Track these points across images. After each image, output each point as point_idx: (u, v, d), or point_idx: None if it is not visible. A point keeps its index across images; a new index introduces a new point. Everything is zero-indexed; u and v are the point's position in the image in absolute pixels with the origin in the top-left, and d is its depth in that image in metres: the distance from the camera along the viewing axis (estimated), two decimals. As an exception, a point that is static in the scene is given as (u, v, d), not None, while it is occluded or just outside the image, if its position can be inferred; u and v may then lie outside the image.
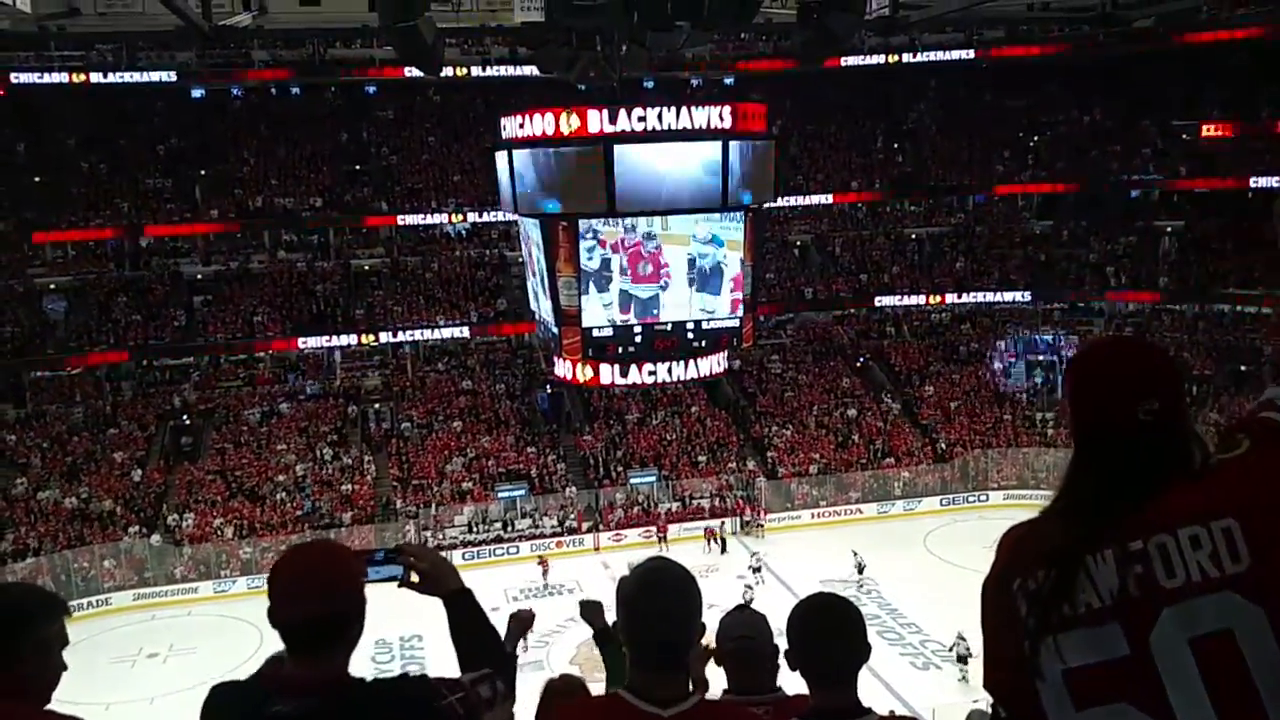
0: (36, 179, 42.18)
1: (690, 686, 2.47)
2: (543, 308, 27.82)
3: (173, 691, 25.94)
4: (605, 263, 22.01)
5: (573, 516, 35.69)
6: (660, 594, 2.49)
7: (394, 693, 2.48)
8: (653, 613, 2.45)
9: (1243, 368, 40.38)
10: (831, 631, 2.74)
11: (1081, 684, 1.80)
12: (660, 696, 2.39)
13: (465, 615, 2.82)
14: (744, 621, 3.79)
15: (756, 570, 31.62)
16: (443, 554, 3.64)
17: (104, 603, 31.81)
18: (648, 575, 2.55)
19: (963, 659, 24.90)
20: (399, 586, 2.83)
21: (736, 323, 22.92)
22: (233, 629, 30.01)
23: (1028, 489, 38.72)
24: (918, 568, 32.00)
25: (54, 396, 38.85)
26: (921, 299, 45.29)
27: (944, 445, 39.70)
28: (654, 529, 34.17)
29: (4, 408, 38.31)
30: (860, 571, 30.93)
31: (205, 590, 32.67)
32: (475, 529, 35.05)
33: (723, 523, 35.78)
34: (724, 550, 33.99)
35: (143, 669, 27.83)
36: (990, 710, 2.10)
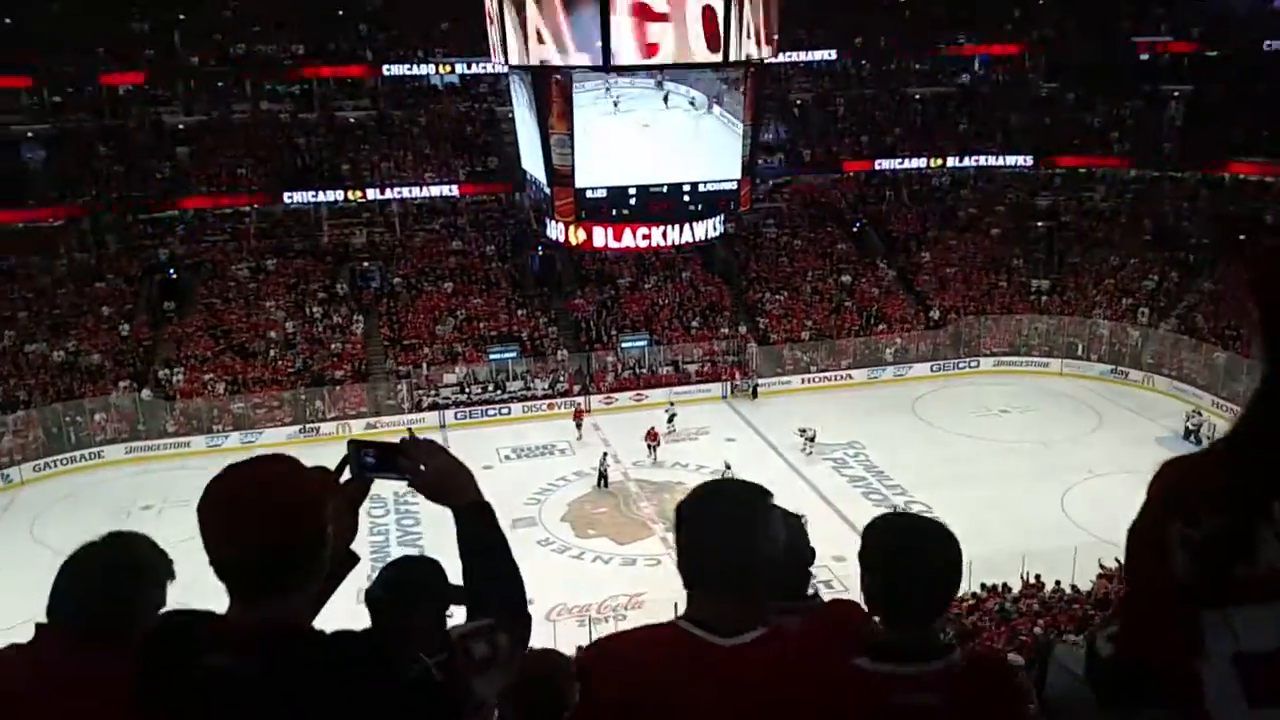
0: (6, 20, 40.38)
1: (761, 615, 2.12)
2: (534, 167, 27.15)
3: (168, 544, 26.14)
4: (600, 120, 21.35)
5: (564, 379, 35.69)
6: (717, 511, 2.17)
7: (351, 653, 1.92)
8: (709, 530, 2.14)
9: (1242, 237, 39.92)
10: (923, 560, 2.17)
11: (1260, 673, 1.43)
12: (722, 625, 2.06)
13: (476, 538, 2.24)
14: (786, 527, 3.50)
15: (671, 419, 32.41)
16: (449, 456, 2.40)
17: (97, 455, 31.99)
18: (706, 491, 2.25)
19: (810, 439, 28.22)
20: (410, 486, 2.27)
21: (734, 185, 22.42)
22: (226, 483, 30.26)
23: (1019, 356, 38.83)
24: (906, 432, 32.29)
25: (37, 248, 38.13)
26: (922, 162, 44.33)
27: (937, 312, 39.54)
28: (647, 442, 31.12)
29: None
30: (810, 441, 30.87)
31: (198, 444, 32.83)
32: (466, 390, 35.07)
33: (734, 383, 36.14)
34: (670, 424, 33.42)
35: (137, 521, 28.04)
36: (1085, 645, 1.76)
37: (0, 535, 27.11)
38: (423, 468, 2.25)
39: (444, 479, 2.27)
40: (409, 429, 2.51)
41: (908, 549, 2.18)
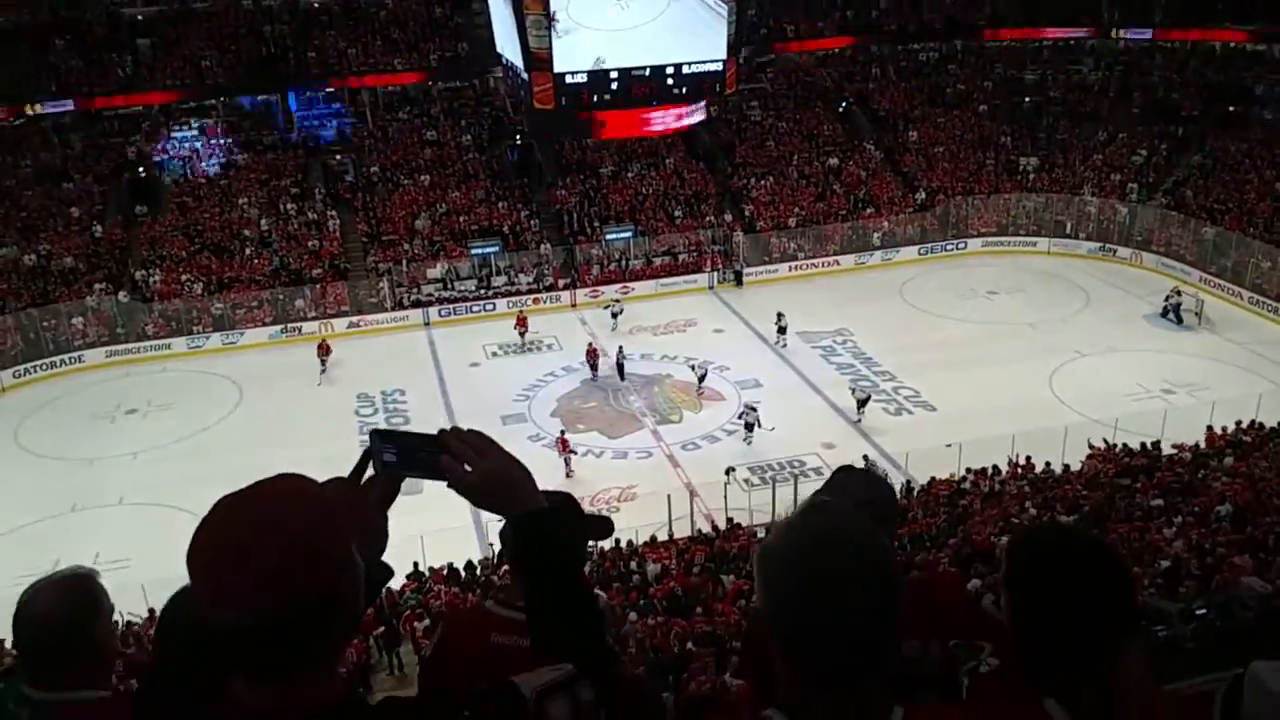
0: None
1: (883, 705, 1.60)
2: (510, 51, 26.13)
3: (154, 446, 26.15)
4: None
5: (549, 273, 35.16)
6: (836, 592, 1.51)
7: None
8: (823, 613, 1.51)
9: (1230, 108, 39.25)
10: (1088, 585, 1.75)
11: None
12: None
13: (541, 554, 1.79)
14: (863, 482, 3.03)
15: (615, 316, 32.16)
16: (504, 453, 1.80)
17: (77, 360, 31.54)
18: (812, 546, 1.55)
19: (862, 403, 25.72)
20: (450, 487, 1.80)
21: (719, 66, 21.62)
22: (210, 384, 30.02)
23: (1007, 236, 38.47)
24: (894, 318, 32.11)
25: (-1, 149, 36.95)
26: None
27: (925, 193, 38.96)
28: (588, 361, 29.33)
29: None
30: (781, 332, 30.35)
31: (179, 346, 32.40)
32: (450, 286, 34.52)
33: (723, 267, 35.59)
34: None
35: (123, 425, 27.91)
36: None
37: (-15, 443, 26.84)
38: (468, 467, 1.78)
39: (497, 481, 1.80)
40: (442, 430, 1.84)
41: (1075, 569, 1.80)
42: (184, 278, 33.51)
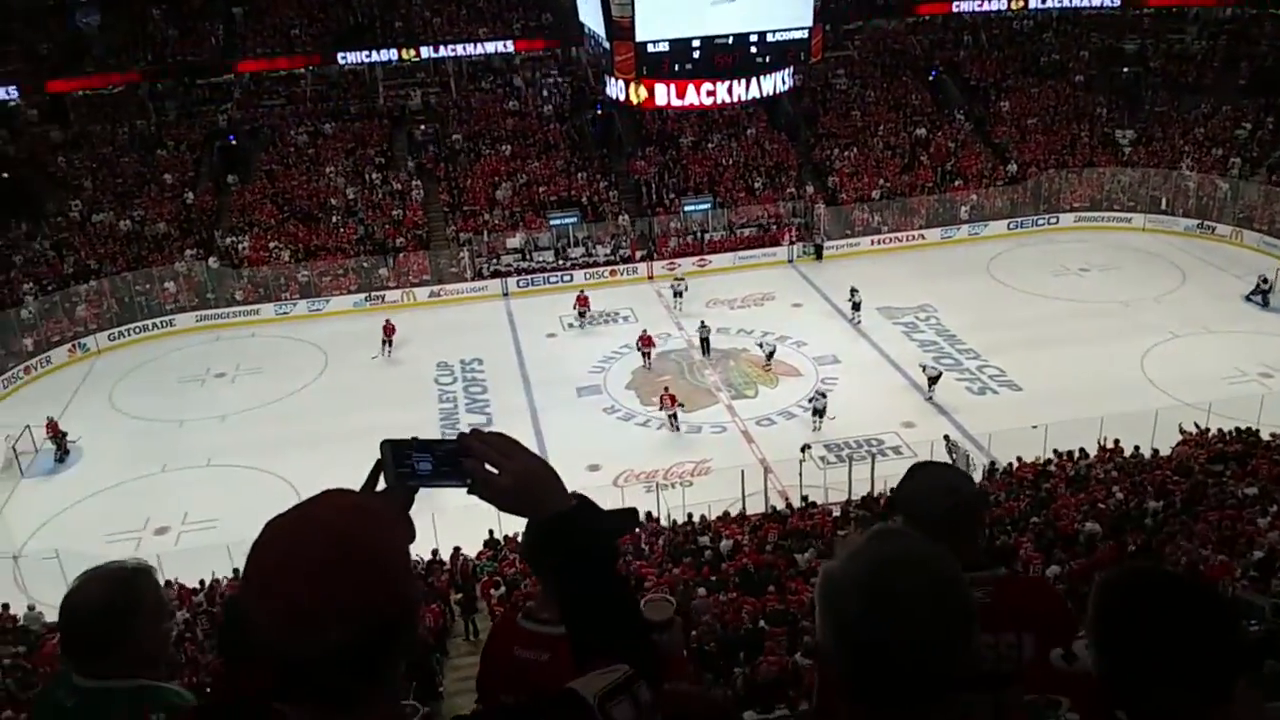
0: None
1: None
2: (592, 20, 25.96)
3: (242, 409, 26.85)
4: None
5: (626, 245, 35.08)
6: (905, 619, 1.44)
7: None
8: (893, 643, 1.44)
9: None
10: (1192, 637, 1.62)
11: None
12: None
13: (566, 555, 1.73)
14: (946, 479, 2.91)
15: (679, 295, 31.59)
16: (533, 454, 1.74)
17: (169, 324, 32.52)
18: (879, 580, 1.47)
19: (933, 380, 25.09)
20: (470, 493, 1.73)
21: (805, 34, 21.15)
22: (296, 350, 30.70)
23: (1100, 211, 37.22)
24: (980, 294, 31.33)
25: (97, 117, 38.08)
26: (1003, 3, 41.67)
27: (1015, 166, 37.84)
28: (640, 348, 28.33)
29: (49, 128, 37.71)
30: (856, 309, 29.74)
31: (267, 312, 33.17)
32: (528, 256, 34.69)
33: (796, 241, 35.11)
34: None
35: (212, 388, 28.72)
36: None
37: (83, 402, 27.86)
38: (494, 470, 1.69)
39: (529, 482, 1.72)
40: (462, 433, 1.75)
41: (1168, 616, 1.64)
42: (272, 245, 34.24)
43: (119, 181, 35.97)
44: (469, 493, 1.71)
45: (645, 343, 27.78)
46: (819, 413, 23.71)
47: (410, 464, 1.67)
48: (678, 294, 31.79)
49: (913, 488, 2.83)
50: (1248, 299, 29.62)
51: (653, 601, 2.74)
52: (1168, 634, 1.62)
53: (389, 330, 29.63)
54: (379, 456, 1.69)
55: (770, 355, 27.28)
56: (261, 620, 1.35)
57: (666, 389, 25.01)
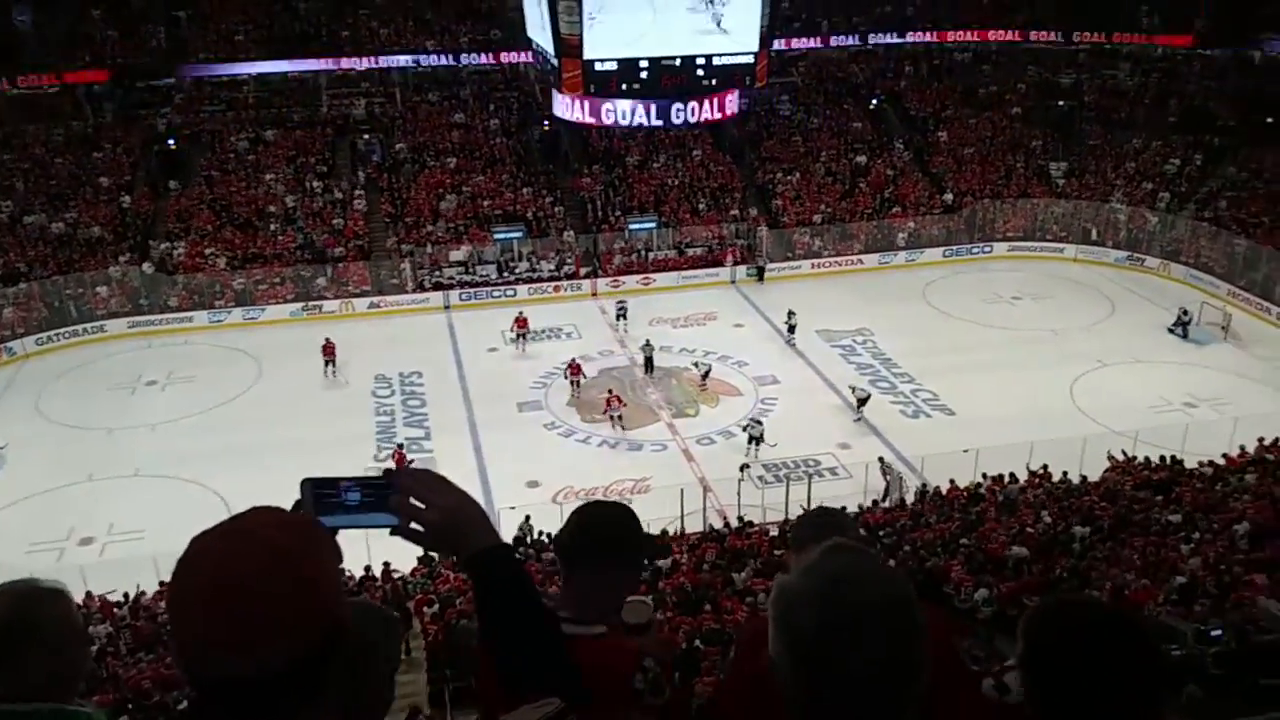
0: None
1: None
2: (541, 36, 26.03)
3: (172, 419, 26.29)
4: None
5: (571, 261, 35.09)
6: (860, 633, 1.43)
7: None
8: (849, 666, 1.43)
9: (1269, 119, 38.65)
10: (1121, 668, 1.67)
11: None
12: None
13: (497, 591, 1.72)
14: (825, 523, 2.96)
15: (621, 316, 31.38)
16: (461, 490, 1.71)
17: (100, 330, 31.76)
18: (834, 593, 1.47)
19: (861, 402, 25.42)
20: (393, 535, 1.69)
21: (751, 58, 21.44)
22: (230, 359, 30.17)
23: (1033, 241, 38.11)
24: (916, 320, 31.87)
25: (32, 117, 37.15)
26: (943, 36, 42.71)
27: (952, 195, 38.62)
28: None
29: (-21, 127, 36.75)
30: (791, 331, 30.09)
31: (200, 320, 32.57)
32: (471, 270, 34.52)
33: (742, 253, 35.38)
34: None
35: (142, 396, 28.08)
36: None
37: (8, 408, 27.09)
38: (421, 506, 1.67)
39: (458, 519, 1.69)
40: (388, 470, 1.74)
41: (1101, 651, 1.70)
42: (208, 251, 33.65)
43: (52, 183, 35.11)
44: (393, 533, 1.68)
45: (574, 371, 27.11)
46: (756, 440, 23.52)
47: (338, 497, 1.63)
48: (621, 314, 31.64)
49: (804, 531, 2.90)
50: (1170, 331, 30.51)
51: (631, 604, 2.75)
52: (1095, 663, 1.67)
53: (329, 350, 28.53)
54: (298, 496, 1.64)
55: (705, 375, 27.42)
56: (190, 638, 1.31)
57: (611, 390, 25.27)
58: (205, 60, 38.67)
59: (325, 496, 1.63)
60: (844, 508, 18.85)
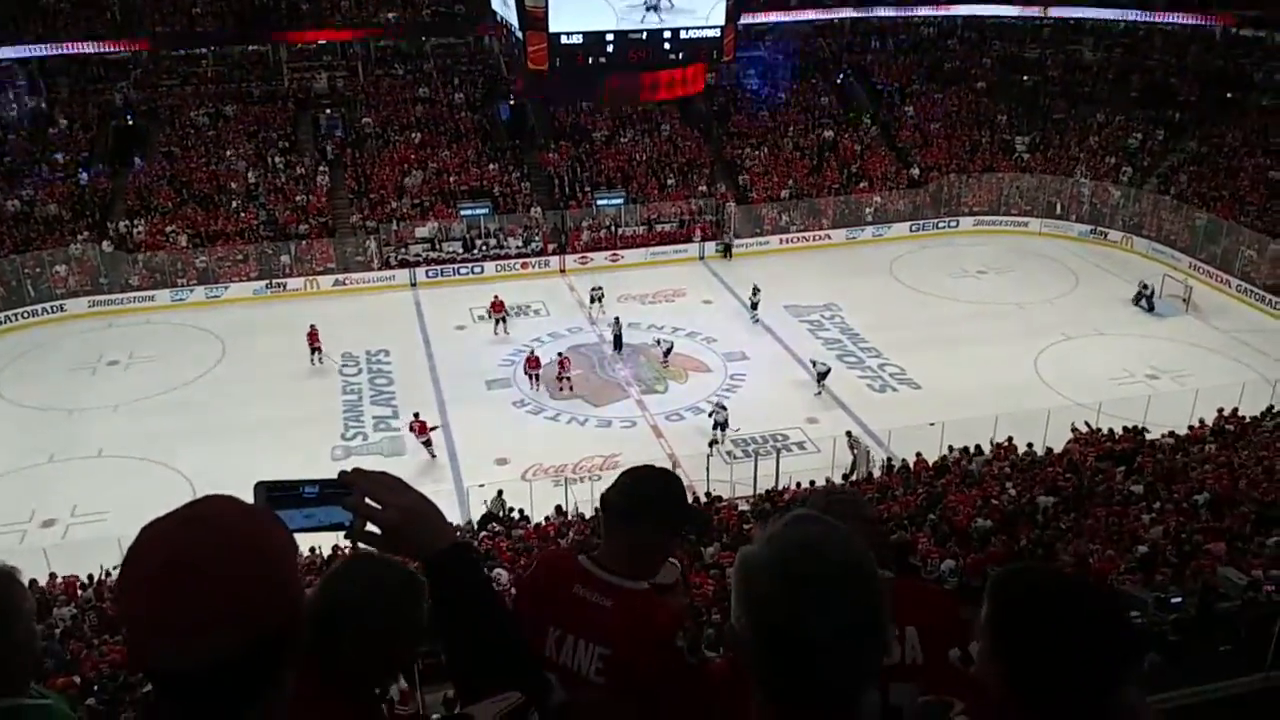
0: None
1: None
2: (505, 9, 25.74)
3: (135, 399, 25.95)
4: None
5: (538, 238, 34.89)
6: (822, 600, 1.44)
7: None
8: (811, 633, 1.43)
9: (1229, 94, 39.09)
10: (1091, 637, 1.67)
11: None
12: None
13: (457, 591, 1.71)
14: (838, 500, 2.97)
15: (596, 300, 30.40)
16: (417, 491, 1.70)
17: (59, 309, 31.22)
18: (796, 561, 1.47)
19: (821, 376, 25.55)
20: (348, 538, 1.68)
21: (718, 32, 21.33)
22: (193, 338, 29.79)
23: (999, 215, 38.37)
24: (883, 294, 32.03)
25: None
26: (909, 11, 42.80)
27: (918, 170, 38.76)
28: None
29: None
30: (754, 309, 30.01)
31: (163, 299, 32.09)
32: (437, 246, 34.23)
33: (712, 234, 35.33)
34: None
35: (104, 376, 27.67)
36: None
37: (-37, 390, 26.59)
38: (378, 506, 1.64)
39: (416, 517, 1.67)
40: (344, 471, 1.70)
41: (1072, 623, 1.68)
42: (169, 229, 33.13)
43: (7, 160, 34.36)
44: (347, 537, 1.66)
45: (532, 364, 26.34)
46: (720, 425, 23.14)
47: (297, 492, 1.60)
48: (596, 299, 30.60)
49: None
50: (1134, 303, 30.87)
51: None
52: (1061, 626, 1.67)
53: (313, 337, 27.66)
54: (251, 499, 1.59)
55: (668, 353, 27.37)
56: (141, 621, 1.26)
57: (560, 354, 25.39)
58: (162, 35, 37.84)
59: (279, 498, 1.60)
60: (840, 485, 18.94)
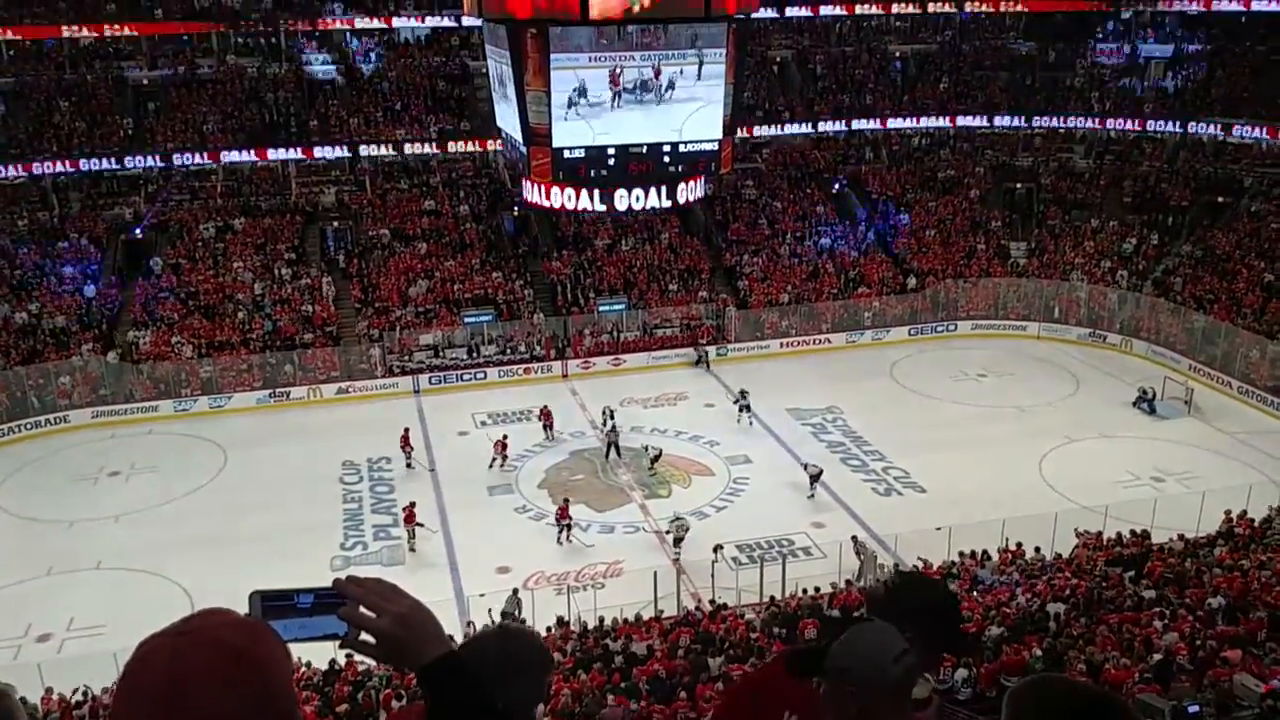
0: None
1: None
2: (510, 125, 26.42)
3: (136, 510, 25.80)
4: (581, 87, 20.81)
5: (540, 344, 35.17)
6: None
7: None
8: None
9: (1220, 199, 39.85)
10: None
11: None
12: None
13: (451, 702, 1.65)
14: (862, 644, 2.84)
15: (608, 419, 29.15)
16: (413, 598, 1.64)
17: (62, 420, 31.28)
18: None
19: (814, 478, 25.36)
20: (343, 649, 1.67)
21: (715, 146, 21.87)
22: (195, 448, 29.76)
23: (997, 319, 38.67)
24: (884, 397, 32.09)
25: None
26: (902, 122, 43.95)
27: (916, 276, 39.25)
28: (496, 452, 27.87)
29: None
30: (743, 411, 29.96)
31: (166, 409, 32.16)
32: (440, 354, 34.48)
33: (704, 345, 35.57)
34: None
35: (105, 487, 27.57)
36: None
37: (-37, 502, 26.45)
38: (374, 615, 1.61)
39: (411, 626, 1.63)
40: (338, 579, 1.69)
41: None
42: (174, 340, 33.42)
43: (17, 273, 34.90)
44: (342, 646, 1.64)
45: (545, 415, 29.32)
46: (679, 541, 22.63)
47: (292, 602, 1.59)
48: (654, 459, 27.49)
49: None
50: (1135, 406, 30.88)
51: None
52: None
53: (405, 441, 27.85)
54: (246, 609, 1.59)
55: (655, 460, 27.15)
56: None
57: (567, 500, 24.24)
58: (172, 150, 38.81)
59: (274, 608, 1.59)
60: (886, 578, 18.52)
